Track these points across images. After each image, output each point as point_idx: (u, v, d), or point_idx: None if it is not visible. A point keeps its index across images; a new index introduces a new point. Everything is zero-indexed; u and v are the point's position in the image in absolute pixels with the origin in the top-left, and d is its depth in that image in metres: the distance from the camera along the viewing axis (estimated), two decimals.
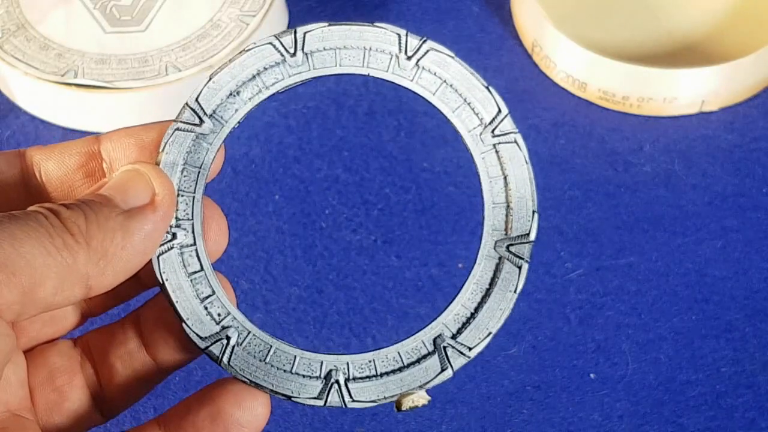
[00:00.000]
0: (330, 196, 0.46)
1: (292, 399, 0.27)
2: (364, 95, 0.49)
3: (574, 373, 0.41)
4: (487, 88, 0.27)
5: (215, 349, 0.27)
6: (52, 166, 0.27)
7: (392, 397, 0.27)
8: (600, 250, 0.44)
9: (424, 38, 0.27)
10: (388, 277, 0.44)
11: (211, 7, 0.50)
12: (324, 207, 0.46)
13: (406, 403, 0.27)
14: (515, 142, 0.27)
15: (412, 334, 0.27)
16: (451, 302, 0.28)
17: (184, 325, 0.27)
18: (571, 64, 0.48)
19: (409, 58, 0.27)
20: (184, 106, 0.27)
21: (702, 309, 0.42)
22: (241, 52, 0.27)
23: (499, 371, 0.41)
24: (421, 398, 0.27)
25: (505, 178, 0.28)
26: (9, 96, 0.50)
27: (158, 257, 0.27)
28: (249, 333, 0.27)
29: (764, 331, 0.41)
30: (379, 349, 0.27)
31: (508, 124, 0.27)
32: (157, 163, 0.27)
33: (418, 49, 0.27)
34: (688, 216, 0.45)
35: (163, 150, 0.27)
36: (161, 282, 0.27)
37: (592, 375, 0.41)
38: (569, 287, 0.43)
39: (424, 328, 0.27)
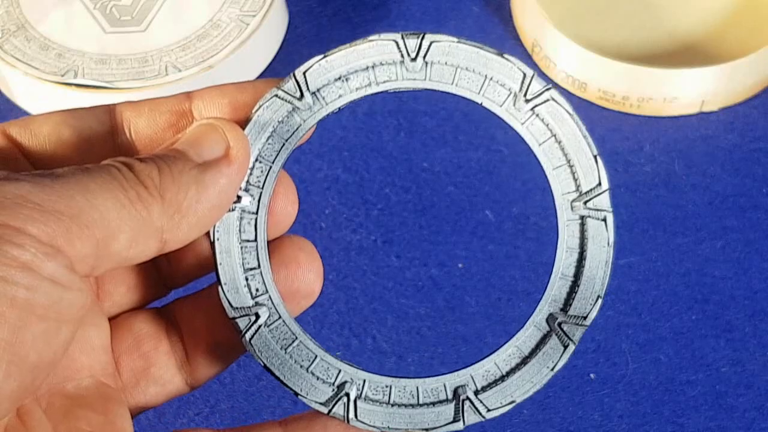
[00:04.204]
0: (330, 196, 0.46)
1: (299, 396, 0.26)
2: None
3: (574, 373, 0.41)
4: (595, 157, 0.26)
5: (241, 323, 0.26)
6: (142, 124, 0.27)
7: (396, 429, 0.26)
8: None
9: (549, 86, 0.26)
10: (388, 277, 0.44)
11: (211, 7, 0.50)
12: (324, 207, 0.46)
13: None
14: (604, 220, 0.26)
15: (437, 375, 0.27)
16: (485, 357, 0.27)
17: (219, 288, 0.26)
18: (571, 64, 0.48)
19: (527, 100, 0.26)
20: (289, 76, 0.26)
21: (702, 309, 0.42)
22: (363, 40, 0.26)
23: None
24: None
25: (581, 253, 0.27)
26: (9, 96, 0.50)
27: None
28: (279, 318, 0.27)
29: (764, 331, 0.41)
30: (400, 377, 0.27)
31: (604, 200, 0.26)
32: (248, 121, 0.26)
33: (539, 95, 0.26)
34: (688, 216, 0.45)
35: (255, 111, 0.26)
36: (212, 240, 0.26)
37: (592, 375, 0.41)
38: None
39: (451, 372, 0.27)
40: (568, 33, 0.48)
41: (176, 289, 0.29)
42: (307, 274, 0.27)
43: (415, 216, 0.45)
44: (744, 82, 0.47)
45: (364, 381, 0.26)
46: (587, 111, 0.48)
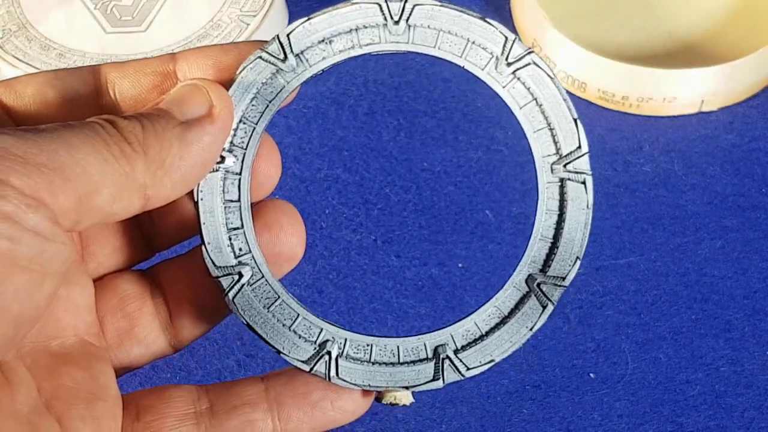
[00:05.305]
0: (330, 196, 0.46)
1: (281, 354, 0.27)
2: (364, 95, 0.49)
3: (574, 372, 0.41)
4: (575, 120, 0.27)
5: (224, 282, 0.27)
6: (126, 85, 0.27)
7: (377, 387, 0.27)
8: (600, 250, 0.44)
9: (530, 50, 0.26)
10: (388, 277, 0.44)
11: (212, 7, 0.50)
12: (324, 207, 0.46)
13: (388, 398, 0.27)
14: (584, 183, 0.27)
15: (417, 334, 0.27)
16: (465, 316, 0.27)
17: (203, 247, 0.27)
18: (571, 64, 0.48)
19: (509, 64, 0.26)
20: (273, 38, 0.26)
21: (701, 308, 0.42)
22: (346, 3, 0.27)
23: (499, 371, 0.41)
24: (404, 397, 0.27)
25: (560, 215, 0.27)
26: None
27: None
28: (262, 277, 0.27)
29: (763, 331, 0.41)
30: (380, 336, 0.27)
31: (583, 163, 0.27)
32: (232, 83, 0.26)
33: (521, 59, 0.26)
34: (687, 216, 0.45)
35: (239, 73, 0.26)
36: (195, 200, 0.26)
37: (592, 375, 0.41)
38: (569, 287, 0.43)
39: (431, 332, 0.27)
40: (568, 33, 0.48)
41: (161, 252, 0.29)
42: (289, 237, 0.28)
43: (415, 216, 0.45)
44: (743, 82, 0.47)
45: (346, 340, 0.27)
46: (587, 111, 0.48)
